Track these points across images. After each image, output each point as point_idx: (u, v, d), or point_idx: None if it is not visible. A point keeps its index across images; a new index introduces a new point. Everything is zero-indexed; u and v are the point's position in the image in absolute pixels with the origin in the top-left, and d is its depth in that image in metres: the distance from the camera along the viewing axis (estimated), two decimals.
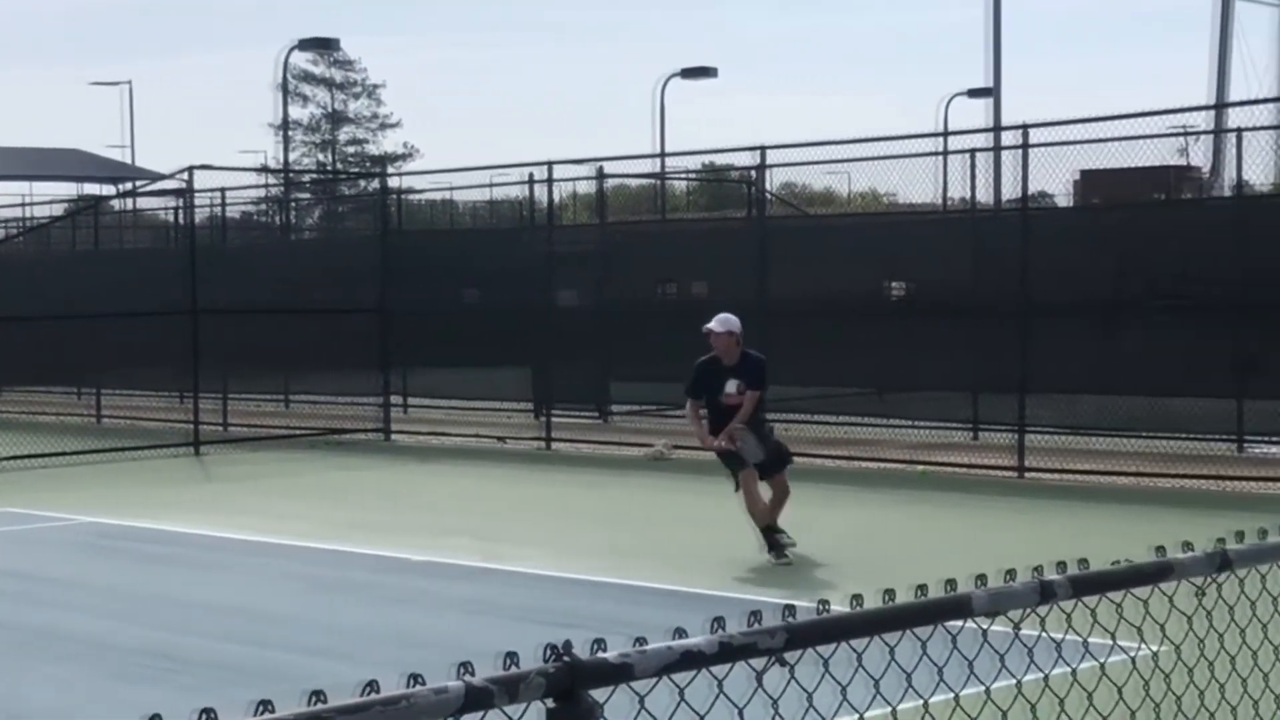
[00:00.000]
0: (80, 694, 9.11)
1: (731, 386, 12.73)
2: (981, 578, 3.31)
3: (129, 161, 60.81)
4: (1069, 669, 3.77)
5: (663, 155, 35.22)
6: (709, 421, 12.84)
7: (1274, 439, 18.50)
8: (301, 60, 63.61)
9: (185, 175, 23.95)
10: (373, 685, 2.46)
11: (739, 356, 12.73)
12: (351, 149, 70.36)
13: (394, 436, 23.78)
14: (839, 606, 3.09)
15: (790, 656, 2.95)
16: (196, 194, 25.33)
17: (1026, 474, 17.90)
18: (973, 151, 21.37)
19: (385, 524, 15.36)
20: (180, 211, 28.78)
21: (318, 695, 2.44)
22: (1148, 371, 18.30)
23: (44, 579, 12.82)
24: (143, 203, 40.23)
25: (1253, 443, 18.57)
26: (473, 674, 2.54)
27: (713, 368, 12.79)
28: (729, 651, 2.84)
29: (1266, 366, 17.88)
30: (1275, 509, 14.27)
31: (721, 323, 12.73)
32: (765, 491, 12.61)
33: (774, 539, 12.41)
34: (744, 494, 12.52)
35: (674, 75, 47.09)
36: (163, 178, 32.45)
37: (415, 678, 2.50)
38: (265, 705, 2.38)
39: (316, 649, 9.91)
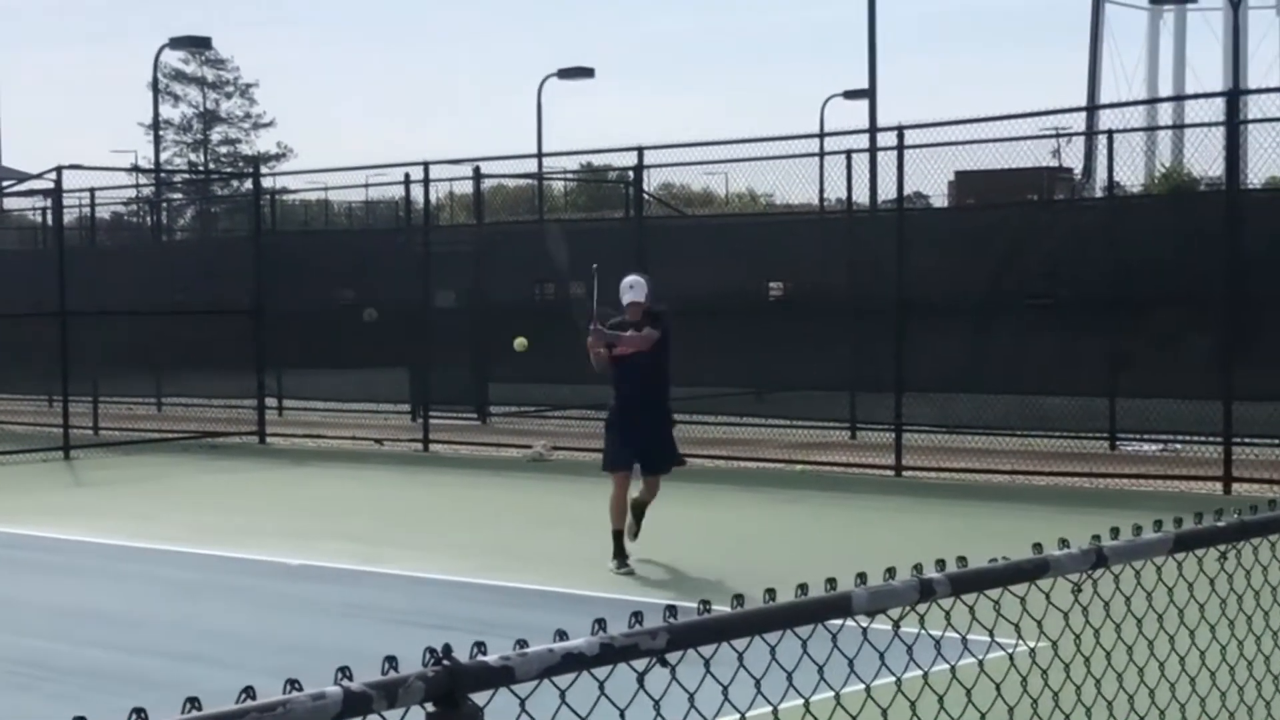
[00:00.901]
0: None
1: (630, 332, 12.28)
2: (862, 576, 3.32)
3: None
4: (948, 666, 3.79)
5: (540, 155, 35.17)
6: (622, 386, 12.48)
7: (1145, 436, 18.82)
8: (174, 59, 62.86)
9: (54, 175, 23.54)
10: (249, 691, 2.41)
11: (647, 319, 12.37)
12: (225, 149, 69.64)
13: (270, 439, 23.53)
14: (720, 607, 3.08)
15: (672, 657, 2.93)
16: (66, 194, 24.92)
17: (904, 472, 18.07)
18: (849, 152, 21.53)
19: (261, 528, 15.18)
20: (49, 212, 28.30)
21: (192, 702, 2.39)
22: (1022, 370, 18.55)
23: None
24: (10, 203, 39.48)
25: (1125, 440, 18.88)
26: (351, 679, 2.50)
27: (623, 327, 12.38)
28: (611, 653, 2.82)
29: (1137, 364, 18.18)
30: (1148, 505, 14.50)
31: (635, 289, 12.35)
32: (635, 490, 12.52)
33: (622, 546, 12.27)
34: (613, 495, 12.39)
35: (551, 75, 47.04)
36: (31, 178, 31.85)
37: (292, 683, 2.46)
38: (139, 713, 2.32)
39: (189, 655, 9.76)
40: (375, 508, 16.66)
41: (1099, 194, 23.38)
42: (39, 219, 33.89)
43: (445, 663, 2.59)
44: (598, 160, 29.90)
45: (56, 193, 24.34)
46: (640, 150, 21.73)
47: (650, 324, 12.44)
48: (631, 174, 23.08)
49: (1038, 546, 3.74)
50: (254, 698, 2.41)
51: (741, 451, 19.73)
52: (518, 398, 23.92)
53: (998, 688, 3.96)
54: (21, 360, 25.80)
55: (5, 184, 33.56)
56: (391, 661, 2.57)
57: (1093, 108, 32.03)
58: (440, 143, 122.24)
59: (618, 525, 12.35)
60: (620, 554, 12.27)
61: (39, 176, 26.48)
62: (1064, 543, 3.83)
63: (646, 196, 24.20)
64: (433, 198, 24.40)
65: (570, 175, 42.74)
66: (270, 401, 24.75)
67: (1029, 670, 3.99)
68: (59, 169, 23.31)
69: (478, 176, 24.58)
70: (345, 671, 2.51)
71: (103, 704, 8.56)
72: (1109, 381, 18.35)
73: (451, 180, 25.61)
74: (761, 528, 14.89)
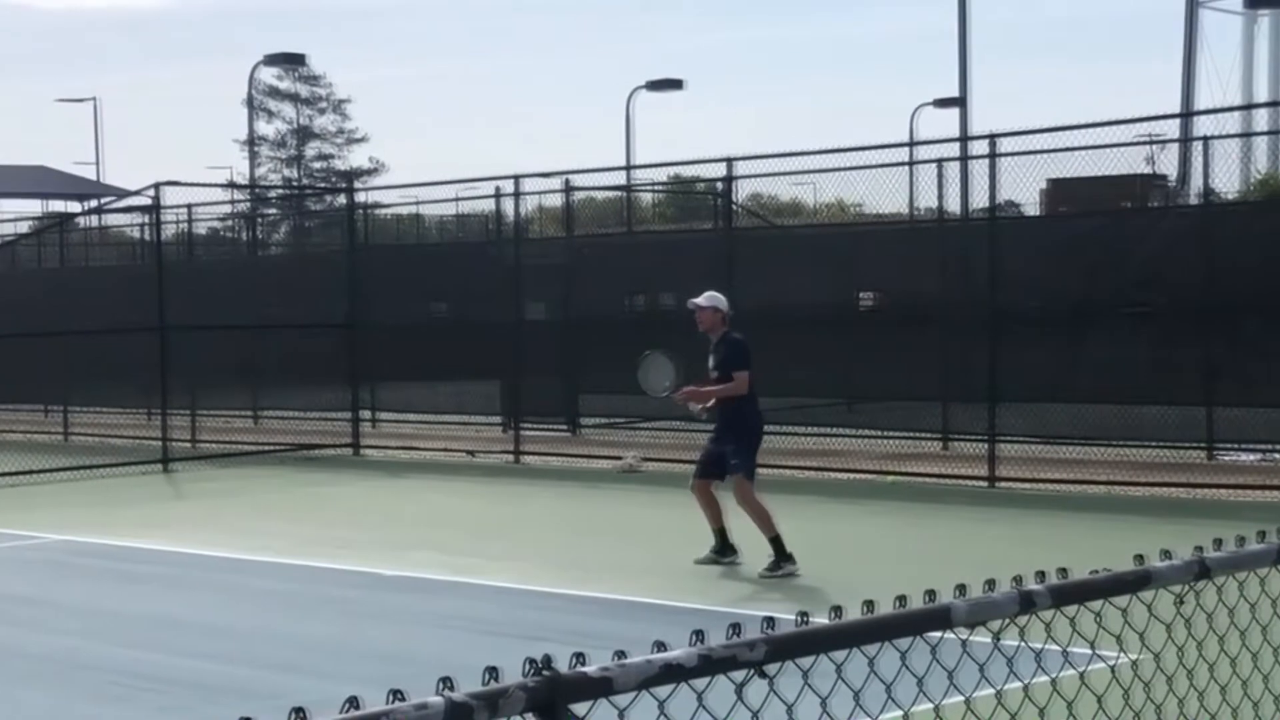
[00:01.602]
0: (52, 715, 9.04)
1: (711, 361, 12.91)
2: (961, 588, 3.30)
3: (96, 178, 60.63)
4: (1049, 678, 3.76)
5: (629, 167, 35.22)
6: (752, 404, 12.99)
7: (1244, 445, 18.57)
8: (268, 76, 63.52)
9: (153, 192, 23.86)
10: (353, 701, 2.44)
11: (721, 334, 12.85)
12: (319, 164, 70.23)
13: (363, 451, 23.72)
14: (818, 618, 3.07)
15: (770, 669, 2.93)
16: (164, 210, 25.25)
17: (998, 483, 17.93)
18: (941, 161, 21.41)
19: (356, 539, 15.30)
20: (148, 228, 28.70)
21: (298, 712, 2.41)
22: (1118, 379, 18.34)
23: (13, 598, 12.73)
24: (110, 219, 40.15)
25: (1223, 449, 18.64)
26: (453, 689, 2.52)
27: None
28: (709, 664, 2.83)
29: (1235, 373, 17.95)
30: (1248, 515, 14.32)
31: (707, 297, 12.96)
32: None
33: (784, 546, 12.44)
34: (758, 504, 12.50)
35: (640, 88, 47.13)
36: (130, 194, 32.32)
37: (396, 693, 2.48)
38: None
39: (290, 666, 9.85)
40: (467, 519, 16.74)
41: (1194, 201, 23.13)
42: (138, 235, 34.40)
43: (546, 673, 2.60)
44: (687, 171, 29.94)
45: (155, 209, 24.68)
46: (729, 161, 21.74)
47: (720, 345, 12.82)
48: (720, 185, 23.08)
49: (1139, 558, 3.71)
50: (358, 707, 2.43)
51: (832, 462, 19.65)
52: (608, 409, 23.97)
53: (1099, 700, 3.92)
54: (122, 375, 26.17)
55: (105, 201, 34.07)
56: (493, 672, 2.58)
57: (1188, 114, 31.68)
58: (530, 156, 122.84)
59: (773, 530, 12.46)
60: (787, 556, 12.40)
61: (138, 193, 26.87)
62: (1166, 554, 3.79)
63: (735, 207, 24.18)
64: (523, 210, 24.50)
65: (659, 187, 42.78)
66: (364, 414, 24.96)
67: (1131, 683, 3.95)
68: (157, 186, 23.63)
69: (568, 189, 24.69)
70: (447, 681, 2.53)
71: (205, 714, 8.67)
72: (1206, 390, 18.12)
73: (541, 193, 25.68)
74: (855, 539, 14.82)
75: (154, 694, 9.22)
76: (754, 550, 12.74)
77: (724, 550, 12.83)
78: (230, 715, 2.37)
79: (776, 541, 12.40)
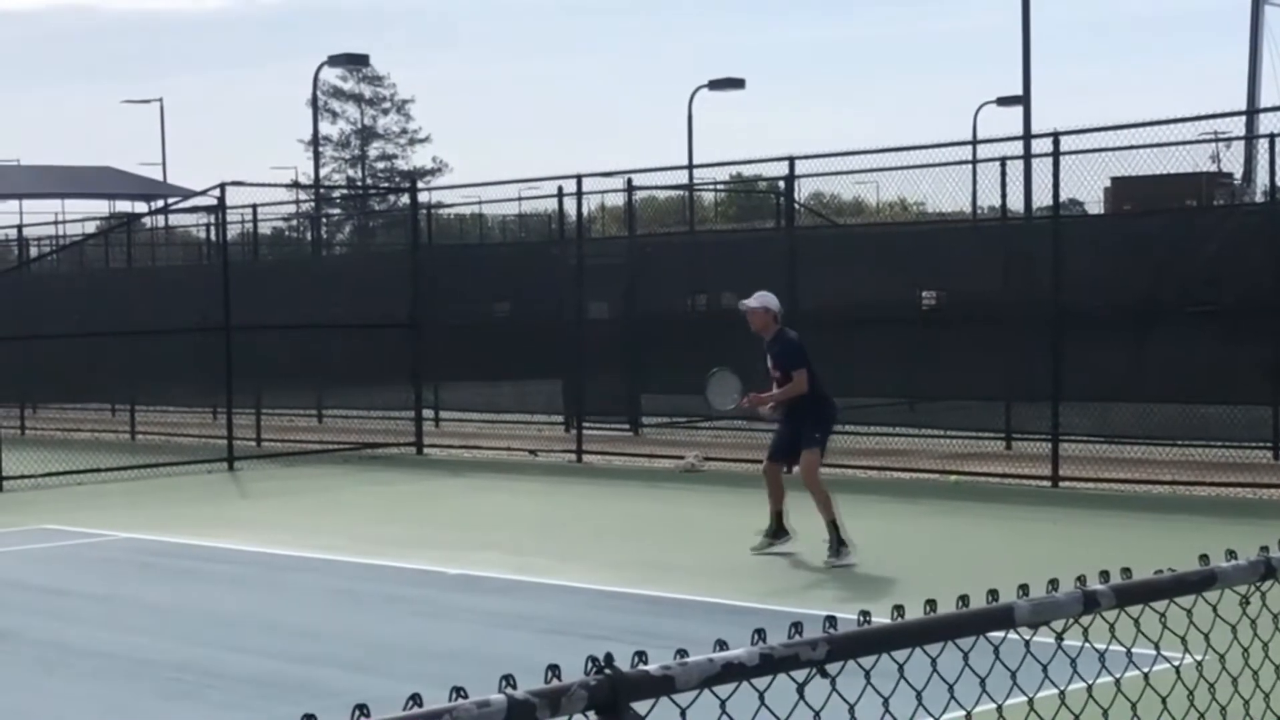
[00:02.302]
0: (119, 711, 9.13)
1: (769, 361, 13.19)
2: (1024, 588, 3.29)
3: (162, 179, 61.16)
4: (1113, 679, 3.74)
5: (691, 167, 35.22)
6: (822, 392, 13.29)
7: None
8: (332, 76, 63.89)
9: (217, 192, 24.04)
10: (416, 699, 2.45)
11: (774, 333, 13.12)
12: (382, 164, 70.62)
13: (426, 450, 23.82)
14: (880, 618, 3.07)
15: (832, 668, 2.93)
16: (229, 210, 25.44)
17: (1061, 483, 17.82)
18: (1003, 159, 21.30)
19: (419, 538, 15.37)
20: (213, 228, 28.92)
21: (361, 709, 2.43)
22: (1182, 379, 18.19)
23: (81, 595, 12.87)
24: (176, 219, 40.48)
25: None
26: (515, 687, 2.53)
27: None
28: (771, 663, 2.83)
29: None
30: None
31: (757, 298, 13.20)
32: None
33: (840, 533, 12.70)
34: (810, 481, 12.78)
35: (702, 87, 47.08)
36: (195, 195, 32.59)
37: (458, 691, 2.50)
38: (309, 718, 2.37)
39: (354, 663, 9.91)
40: (529, 518, 16.78)
41: (1260, 199, 22.91)
42: (203, 235, 34.67)
43: (607, 671, 2.61)
44: (748, 171, 29.94)
45: (220, 209, 24.86)
46: (791, 160, 21.69)
47: (775, 345, 13.09)
48: (782, 184, 23.04)
49: (1204, 558, 3.69)
50: (420, 705, 2.45)
51: (894, 462, 19.59)
52: (670, 408, 23.97)
53: (1164, 701, 3.90)
54: (187, 374, 26.39)
55: (170, 201, 34.36)
56: (554, 670, 2.59)
57: (1252, 111, 31.37)
58: (592, 155, 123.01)
59: (831, 514, 12.72)
60: (844, 541, 12.67)
61: (203, 194, 27.07)
62: (1231, 554, 3.77)
63: (797, 206, 24.14)
64: (585, 210, 24.54)
65: (721, 186, 42.77)
66: (427, 413, 25.06)
67: (1196, 684, 3.93)
68: (222, 186, 23.80)
69: (630, 189, 24.71)
70: (509, 679, 2.55)
71: (269, 712, 8.74)
72: (1272, 390, 17.94)
73: (604, 192, 25.75)
74: (917, 538, 14.77)
75: (218, 691, 9.29)
76: (809, 539, 12.75)
77: (778, 533, 13.02)
78: (293, 713, 2.40)
79: (834, 526, 12.53)
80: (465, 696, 2.49)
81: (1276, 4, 49.62)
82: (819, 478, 12.82)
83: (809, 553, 12.75)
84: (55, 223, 42.32)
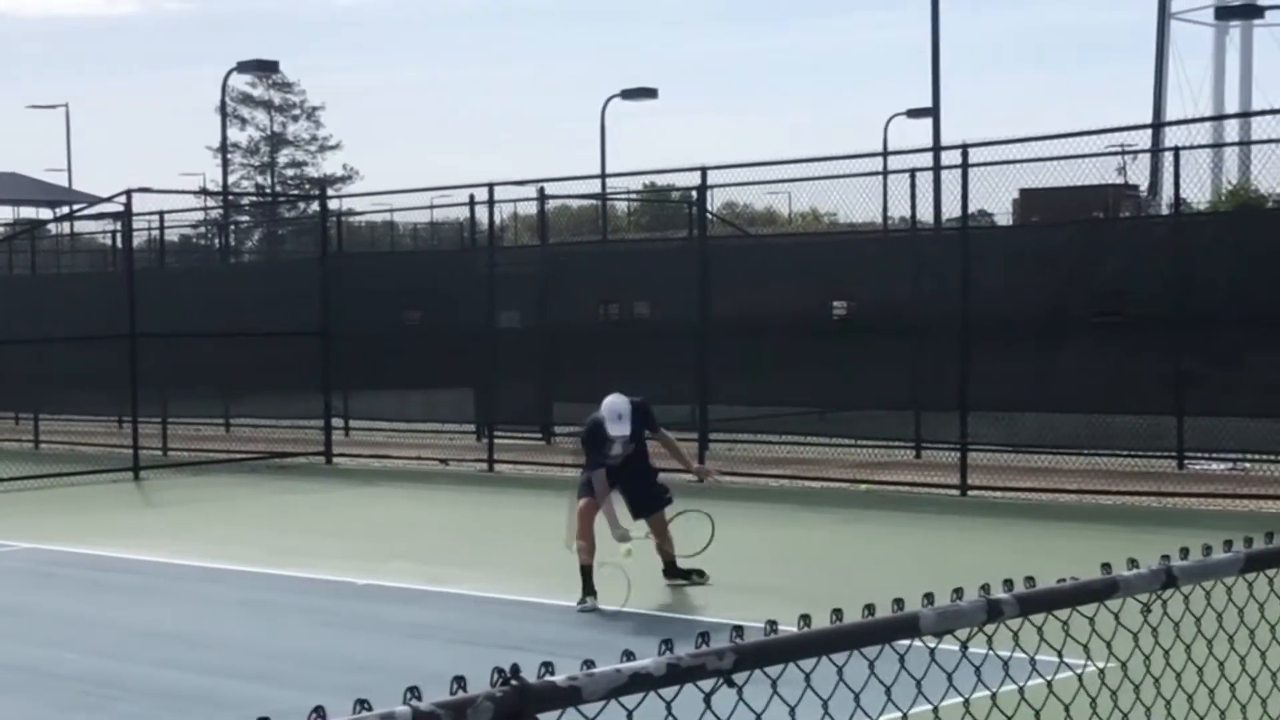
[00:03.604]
0: None
1: (618, 447, 12.18)
2: (929, 596, 3.31)
3: (67, 185, 60.44)
4: (1017, 686, 3.78)
5: (604, 176, 35.25)
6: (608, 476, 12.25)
7: (1214, 455, 18.64)
8: (241, 83, 63.40)
9: (124, 198, 23.79)
10: (319, 711, 2.43)
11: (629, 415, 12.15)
12: (291, 171, 70.19)
13: (336, 459, 23.66)
14: (787, 627, 3.07)
15: (739, 677, 2.93)
16: (135, 217, 25.16)
17: (970, 492, 17.97)
18: (913, 171, 21.47)
19: (327, 548, 15.26)
20: (119, 235, 28.60)
21: None
22: (1088, 389, 18.40)
23: None
24: (81, 226, 39.99)
25: (1193, 459, 18.70)
26: (420, 699, 2.51)
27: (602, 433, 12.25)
28: (678, 673, 2.83)
29: (1205, 383, 18.01)
30: (1217, 524, 14.37)
31: (620, 423, 12.08)
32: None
33: (589, 583, 11.78)
34: (578, 519, 11.96)
35: (614, 96, 47.14)
36: (101, 201, 32.22)
37: (362, 703, 2.48)
38: None
39: (259, 675, 9.82)
40: (440, 528, 16.71)
41: (1165, 211, 23.22)
42: (109, 242, 34.28)
43: (513, 683, 2.60)
44: (661, 180, 29.99)
45: (126, 216, 24.59)
46: (704, 170, 21.75)
47: (637, 417, 12.17)
48: (695, 194, 23.09)
49: (1106, 566, 3.72)
50: (324, 717, 2.43)
51: (805, 471, 19.68)
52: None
53: (1066, 709, 3.94)
54: (92, 382, 26.08)
55: (75, 207, 33.97)
56: (460, 682, 2.58)
57: (1158, 125, 31.82)
58: (504, 164, 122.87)
59: (581, 559, 11.90)
60: (588, 591, 11.81)
61: (109, 200, 26.78)
62: (1133, 562, 3.81)
63: (710, 216, 24.20)
64: (497, 218, 24.50)
65: (634, 195, 42.82)
66: (337, 422, 24.89)
67: (1098, 691, 3.97)
68: (128, 192, 23.56)
69: (542, 197, 24.68)
70: (414, 691, 2.53)
71: None
72: (1176, 400, 18.18)
73: (516, 201, 25.73)
74: (826, 547, 14.84)
75: (125, 703, 9.19)
76: (745, 549, 12.77)
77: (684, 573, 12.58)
78: None
79: (588, 571, 11.83)
80: (369, 708, 2.47)
81: (1182, 19, 50.36)
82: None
83: (716, 563, 12.75)
84: None
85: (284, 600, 12.56)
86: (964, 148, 18.68)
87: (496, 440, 22.50)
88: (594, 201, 35.95)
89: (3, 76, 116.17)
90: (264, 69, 44.44)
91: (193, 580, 13.60)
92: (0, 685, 9.83)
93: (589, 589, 11.74)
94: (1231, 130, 37.55)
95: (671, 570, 12.49)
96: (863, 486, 18.75)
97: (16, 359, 26.32)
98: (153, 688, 9.54)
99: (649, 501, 12.42)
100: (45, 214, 51.74)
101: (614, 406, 12.16)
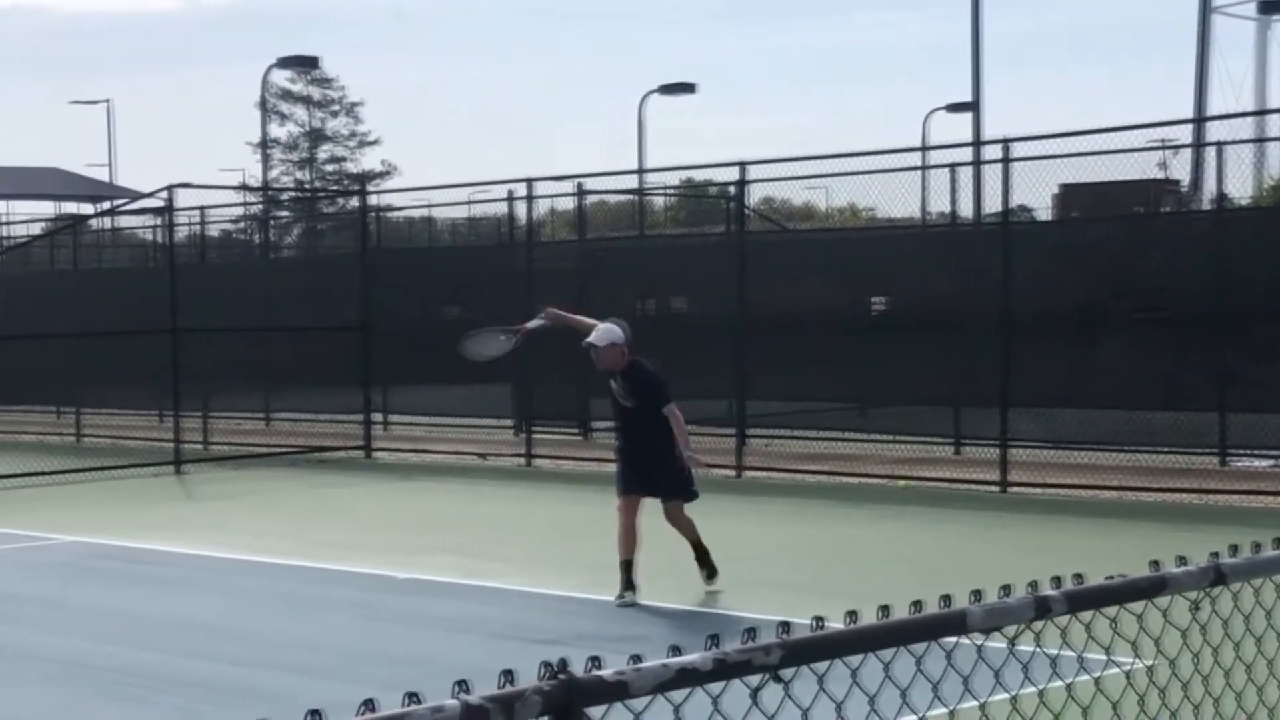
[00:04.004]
0: (66, 716, 9.05)
1: (624, 398, 12.11)
2: (977, 593, 3.30)
3: (109, 180, 60.77)
4: (1064, 684, 3.76)
5: (641, 171, 35.25)
6: (619, 432, 12.38)
7: (1257, 451, 18.52)
8: (281, 78, 63.57)
9: (165, 194, 23.90)
10: (370, 704, 2.44)
11: (626, 365, 12.01)
12: (331, 167, 70.30)
13: (375, 454, 23.73)
14: (834, 623, 3.07)
15: (785, 673, 2.93)
16: (176, 212, 25.28)
17: (1009, 489, 17.90)
18: (953, 166, 21.38)
19: (367, 542, 15.30)
20: (160, 230, 28.75)
21: (315, 715, 2.41)
22: (1129, 385, 18.30)
23: (26, 599, 12.75)
24: (123, 221, 40.20)
25: (1235, 455, 18.59)
26: (469, 692, 2.51)
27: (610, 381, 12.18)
28: (725, 669, 2.82)
29: (1248, 378, 17.90)
30: (1260, 521, 14.29)
31: (602, 335, 12.00)
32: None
33: (628, 577, 11.79)
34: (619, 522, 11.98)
35: (653, 91, 47.13)
36: (143, 196, 32.38)
37: (412, 696, 2.48)
38: None
39: (303, 668, 9.86)
40: (479, 522, 16.74)
41: (1207, 206, 23.09)
42: (150, 237, 34.46)
43: (562, 676, 2.60)
44: (699, 175, 29.92)
45: (168, 211, 24.71)
46: (742, 165, 21.71)
47: (639, 377, 12.01)
48: (733, 189, 23.05)
49: (1155, 564, 3.70)
50: (375, 709, 2.43)
51: (843, 467, 19.63)
52: None
53: (1114, 706, 3.92)
54: (134, 376, 26.20)
55: (117, 202, 34.13)
56: (509, 675, 2.58)
57: (1200, 119, 31.64)
58: (543, 159, 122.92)
59: (622, 554, 11.94)
60: (628, 585, 11.84)
61: (151, 195, 26.90)
62: (1181, 560, 3.79)
63: (748, 211, 24.16)
64: (535, 214, 24.50)
65: (672, 191, 42.79)
66: (376, 416, 24.97)
67: (1146, 689, 3.95)
68: (170, 188, 23.66)
69: (580, 193, 24.69)
70: (463, 685, 2.53)
71: (219, 716, 8.68)
72: (1219, 396, 18.07)
73: (554, 196, 25.69)
74: (867, 543, 14.81)
75: (167, 695, 9.23)
76: (764, 548, 12.74)
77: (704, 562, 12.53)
78: (244, 717, 2.37)
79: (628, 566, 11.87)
80: (419, 701, 2.47)
81: (1224, 14, 50.05)
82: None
83: (760, 560, 12.74)
84: (1, 224, 41.97)
85: (324, 594, 12.60)
86: (1005, 142, 18.60)
87: (535, 435, 22.51)
88: (632, 197, 35.95)
89: (45, 73, 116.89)
90: (304, 65, 44.60)
91: (233, 573, 13.65)
92: (43, 677, 9.89)
93: (628, 583, 11.73)
94: (1274, 125, 37.34)
95: (700, 556, 12.30)
96: (901, 483, 18.69)
97: (59, 353, 26.46)
98: (193, 679, 9.58)
99: (669, 489, 12.23)
100: (87, 209, 52.03)
101: (608, 326, 12.11)
